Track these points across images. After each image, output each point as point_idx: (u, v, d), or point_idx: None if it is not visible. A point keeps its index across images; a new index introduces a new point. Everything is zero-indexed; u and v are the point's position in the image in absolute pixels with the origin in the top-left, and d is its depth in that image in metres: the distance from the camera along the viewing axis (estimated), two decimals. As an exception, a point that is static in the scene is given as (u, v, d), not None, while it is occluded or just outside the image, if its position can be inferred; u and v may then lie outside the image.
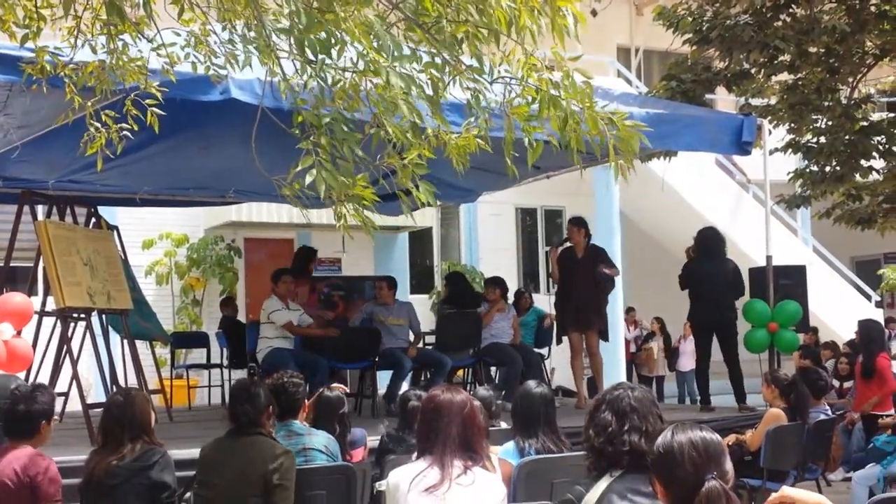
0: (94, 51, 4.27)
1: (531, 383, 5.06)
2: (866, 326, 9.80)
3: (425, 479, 3.56)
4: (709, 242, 9.14)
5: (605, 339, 9.43)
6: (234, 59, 4.17)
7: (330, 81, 3.72)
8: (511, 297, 10.55)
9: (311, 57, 3.48)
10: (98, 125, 4.35)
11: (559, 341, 9.62)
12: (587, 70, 3.71)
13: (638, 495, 2.91)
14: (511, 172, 3.79)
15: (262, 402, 4.64)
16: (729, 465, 2.48)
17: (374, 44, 3.39)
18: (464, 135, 3.81)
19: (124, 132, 4.36)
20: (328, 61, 3.56)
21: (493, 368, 10.04)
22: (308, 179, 3.50)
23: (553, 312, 11.05)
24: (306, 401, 5.17)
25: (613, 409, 3.09)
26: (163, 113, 4.43)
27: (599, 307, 9.28)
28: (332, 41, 3.40)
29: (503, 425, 5.68)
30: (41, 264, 7.84)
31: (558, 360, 10.67)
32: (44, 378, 8.12)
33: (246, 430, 4.55)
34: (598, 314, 9.26)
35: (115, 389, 7.71)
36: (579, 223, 9.33)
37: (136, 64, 4.30)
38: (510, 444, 4.87)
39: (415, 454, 3.89)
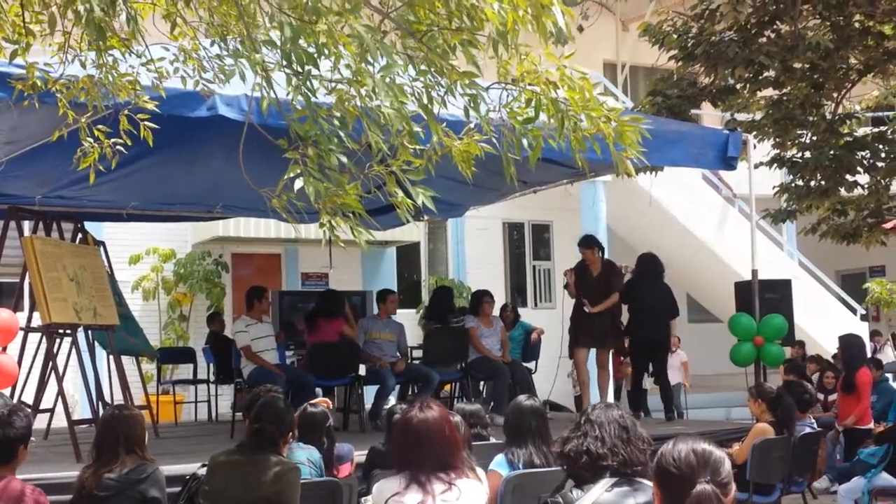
0: (83, 66, 4.27)
1: (522, 397, 5.17)
2: (846, 342, 9.78)
3: (405, 498, 3.51)
4: (647, 266, 9.53)
5: (625, 355, 9.69)
6: (223, 72, 4.18)
7: (323, 93, 3.70)
8: (497, 311, 10.56)
9: (298, 68, 3.47)
10: (91, 140, 4.35)
11: (571, 355, 9.73)
12: (580, 66, 3.67)
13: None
14: (509, 176, 3.73)
15: (287, 426, 4.61)
16: (727, 476, 2.51)
17: (365, 55, 3.37)
18: (465, 140, 3.79)
19: (118, 147, 4.36)
20: (314, 72, 3.54)
21: (480, 382, 10.03)
22: (298, 184, 3.47)
23: (540, 327, 11.11)
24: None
25: (595, 423, 3.21)
26: (156, 126, 4.44)
27: (614, 324, 9.43)
28: (320, 53, 3.39)
29: (492, 440, 5.69)
30: (27, 280, 7.81)
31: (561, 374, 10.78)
32: (29, 394, 8.09)
33: (262, 447, 4.48)
34: (613, 331, 9.43)
35: (101, 405, 7.68)
36: (590, 243, 9.45)
37: (127, 79, 4.29)
38: (500, 456, 4.89)
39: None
